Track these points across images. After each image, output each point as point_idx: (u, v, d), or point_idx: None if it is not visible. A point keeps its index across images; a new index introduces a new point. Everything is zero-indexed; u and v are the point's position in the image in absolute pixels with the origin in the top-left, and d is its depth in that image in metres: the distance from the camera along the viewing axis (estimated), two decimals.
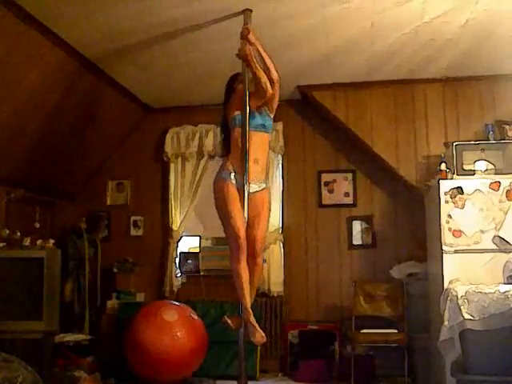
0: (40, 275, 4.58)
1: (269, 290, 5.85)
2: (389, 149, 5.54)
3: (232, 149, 3.65)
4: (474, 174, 4.75)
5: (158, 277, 6.14)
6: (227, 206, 3.51)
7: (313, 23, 4.24)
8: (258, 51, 3.64)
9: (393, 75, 5.39)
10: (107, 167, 6.48)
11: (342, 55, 4.90)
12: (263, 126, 3.66)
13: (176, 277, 6.09)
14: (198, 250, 6.26)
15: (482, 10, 4.02)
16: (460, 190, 4.60)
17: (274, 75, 3.66)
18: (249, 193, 3.58)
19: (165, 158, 6.28)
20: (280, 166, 6.08)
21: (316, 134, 6.10)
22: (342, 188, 6.01)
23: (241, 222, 3.49)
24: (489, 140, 4.96)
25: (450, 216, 4.58)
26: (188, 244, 6.42)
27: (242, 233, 3.47)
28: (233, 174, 3.57)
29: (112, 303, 5.77)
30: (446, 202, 4.61)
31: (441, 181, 4.69)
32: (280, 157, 6.08)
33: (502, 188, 4.56)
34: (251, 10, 3.88)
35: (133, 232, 6.33)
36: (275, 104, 3.73)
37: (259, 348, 5.52)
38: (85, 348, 5.06)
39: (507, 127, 5.02)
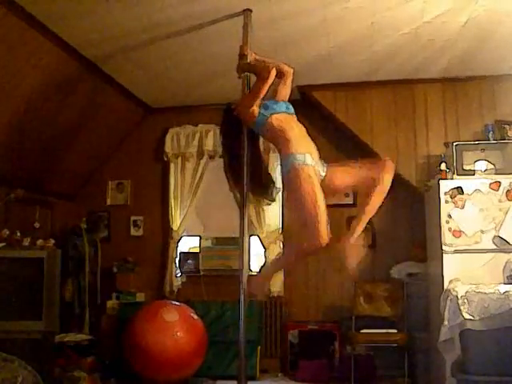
0: (40, 275, 4.58)
1: (269, 290, 5.84)
2: (389, 149, 5.53)
3: (283, 138, 3.29)
4: (474, 174, 4.75)
5: (158, 277, 6.14)
6: (312, 202, 3.05)
7: (313, 23, 4.24)
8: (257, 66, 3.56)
9: (393, 75, 5.39)
10: (107, 167, 6.48)
11: (342, 55, 4.90)
12: (287, 107, 3.47)
13: (176, 277, 6.08)
14: (198, 250, 6.26)
15: (482, 10, 4.02)
16: (460, 190, 4.60)
17: (285, 68, 3.57)
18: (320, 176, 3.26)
19: (165, 158, 6.28)
20: (280, 165, 6.07)
21: (316, 133, 6.07)
22: None
23: (325, 227, 2.99)
24: (489, 140, 4.97)
25: (450, 216, 4.59)
26: (188, 244, 6.42)
27: (325, 238, 2.98)
28: (308, 156, 3.18)
29: (112, 303, 5.77)
30: (446, 201, 4.61)
31: (441, 181, 4.69)
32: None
33: (502, 188, 4.56)
34: (251, 10, 3.89)
35: (133, 232, 6.34)
36: (286, 95, 3.61)
37: (259, 348, 5.53)
38: (85, 348, 5.05)
39: (507, 127, 5.02)
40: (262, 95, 3.39)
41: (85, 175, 6.38)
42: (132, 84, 5.61)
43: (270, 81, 3.37)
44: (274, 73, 3.38)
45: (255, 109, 3.38)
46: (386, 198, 5.96)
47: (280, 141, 3.33)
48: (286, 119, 3.39)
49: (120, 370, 5.08)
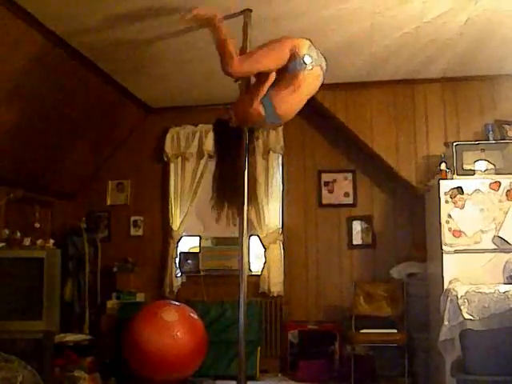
0: (40, 275, 4.57)
1: (269, 289, 5.85)
2: (389, 149, 5.54)
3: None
4: (474, 173, 4.75)
5: (158, 277, 6.14)
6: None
7: (312, 23, 4.23)
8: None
9: (393, 75, 5.39)
10: (107, 167, 6.48)
11: (341, 55, 4.89)
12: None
13: (176, 277, 6.08)
14: (198, 250, 6.26)
15: (482, 10, 4.01)
16: (460, 189, 4.60)
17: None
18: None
19: (165, 158, 6.28)
20: (280, 165, 6.09)
21: (316, 133, 6.10)
22: (341, 188, 6.01)
23: None
24: (489, 140, 4.96)
25: (449, 216, 4.59)
26: (188, 244, 6.42)
27: None
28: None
29: (112, 303, 5.77)
30: (446, 202, 4.61)
31: (441, 181, 4.69)
32: (280, 157, 6.07)
33: (502, 188, 4.56)
34: (251, 10, 3.88)
35: (133, 232, 6.34)
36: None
37: (259, 348, 5.53)
38: (85, 348, 5.05)
39: (507, 127, 5.02)
40: (261, 95, 3.42)
41: (85, 175, 6.38)
42: (132, 84, 5.61)
43: (269, 82, 3.44)
44: (273, 76, 3.44)
45: (258, 108, 3.42)
46: (386, 198, 5.98)
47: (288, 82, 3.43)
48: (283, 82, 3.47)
49: (120, 370, 5.08)
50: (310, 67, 3.41)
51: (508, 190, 4.55)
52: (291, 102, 3.51)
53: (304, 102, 3.59)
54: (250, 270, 5.93)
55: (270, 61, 3.41)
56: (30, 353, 4.14)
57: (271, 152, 5.99)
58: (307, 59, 3.40)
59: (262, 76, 3.47)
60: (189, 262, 6.18)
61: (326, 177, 6.03)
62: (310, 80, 3.47)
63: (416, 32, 4.39)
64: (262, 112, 3.44)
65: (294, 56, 3.37)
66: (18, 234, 4.98)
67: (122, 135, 6.41)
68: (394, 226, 5.85)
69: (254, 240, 5.97)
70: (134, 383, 4.98)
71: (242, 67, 3.40)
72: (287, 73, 3.41)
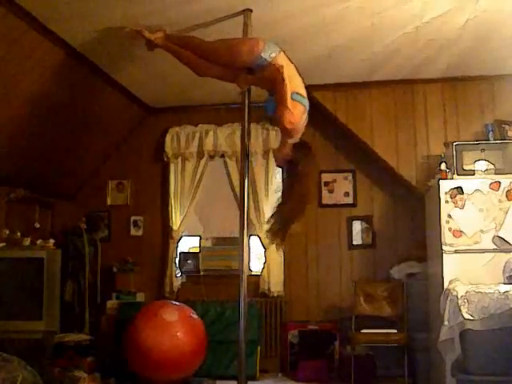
0: (40, 275, 4.58)
1: (269, 289, 5.85)
2: (389, 149, 5.54)
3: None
4: (474, 174, 4.74)
5: (158, 277, 6.14)
6: None
7: (313, 23, 4.24)
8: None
9: (393, 75, 5.39)
10: (107, 167, 6.48)
11: (342, 55, 4.90)
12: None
13: (176, 277, 6.08)
14: (198, 250, 6.26)
15: (482, 10, 4.02)
16: (460, 190, 4.60)
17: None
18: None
19: (165, 158, 6.28)
20: None
21: (316, 134, 6.09)
22: (342, 188, 6.01)
23: None
24: (489, 140, 4.96)
25: (450, 216, 4.58)
26: (188, 244, 6.43)
27: None
28: None
29: (112, 303, 5.77)
30: (446, 201, 4.61)
31: (441, 181, 4.69)
32: None
33: (502, 188, 4.56)
34: (251, 10, 3.89)
35: (133, 232, 6.34)
36: None
37: (259, 348, 5.53)
38: (85, 348, 5.05)
39: (507, 127, 5.02)
40: (289, 94, 3.42)
41: (85, 175, 6.38)
42: (132, 84, 5.61)
43: (287, 81, 3.44)
44: (287, 75, 3.47)
45: (297, 105, 3.44)
46: (386, 198, 5.98)
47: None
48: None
49: (120, 370, 5.08)
50: (274, 56, 3.58)
51: (508, 190, 4.55)
52: (300, 79, 3.61)
53: None
54: (250, 270, 5.93)
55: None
56: (29, 353, 4.14)
57: (271, 152, 5.99)
58: (265, 54, 3.57)
59: (277, 80, 3.49)
60: (189, 262, 6.18)
61: (325, 177, 6.03)
62: (284, 62, 3.60)
63: (416, 32, 4.39)
64: (301, 106, 3.49)
65: (253, 54, 3.58)
66: (18, 233, 4.99)
67: (122, 135, 6.41)
68: (394, 226, 5.86)
69: (254, 240, 5.98)
70: (133, 383, 4.98)
71: (210, 71, 3.88)
72: (261, 69, 3.60)
